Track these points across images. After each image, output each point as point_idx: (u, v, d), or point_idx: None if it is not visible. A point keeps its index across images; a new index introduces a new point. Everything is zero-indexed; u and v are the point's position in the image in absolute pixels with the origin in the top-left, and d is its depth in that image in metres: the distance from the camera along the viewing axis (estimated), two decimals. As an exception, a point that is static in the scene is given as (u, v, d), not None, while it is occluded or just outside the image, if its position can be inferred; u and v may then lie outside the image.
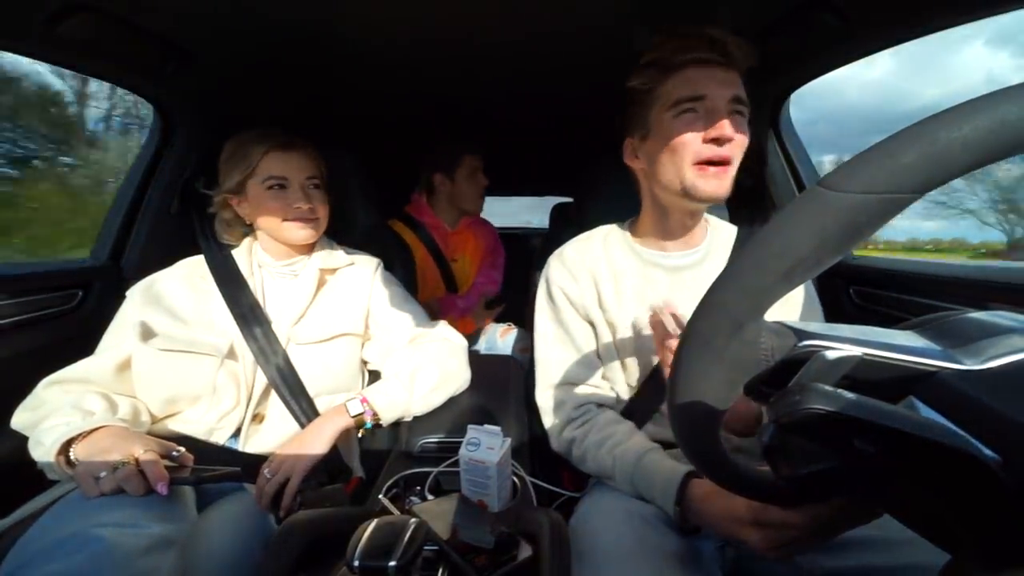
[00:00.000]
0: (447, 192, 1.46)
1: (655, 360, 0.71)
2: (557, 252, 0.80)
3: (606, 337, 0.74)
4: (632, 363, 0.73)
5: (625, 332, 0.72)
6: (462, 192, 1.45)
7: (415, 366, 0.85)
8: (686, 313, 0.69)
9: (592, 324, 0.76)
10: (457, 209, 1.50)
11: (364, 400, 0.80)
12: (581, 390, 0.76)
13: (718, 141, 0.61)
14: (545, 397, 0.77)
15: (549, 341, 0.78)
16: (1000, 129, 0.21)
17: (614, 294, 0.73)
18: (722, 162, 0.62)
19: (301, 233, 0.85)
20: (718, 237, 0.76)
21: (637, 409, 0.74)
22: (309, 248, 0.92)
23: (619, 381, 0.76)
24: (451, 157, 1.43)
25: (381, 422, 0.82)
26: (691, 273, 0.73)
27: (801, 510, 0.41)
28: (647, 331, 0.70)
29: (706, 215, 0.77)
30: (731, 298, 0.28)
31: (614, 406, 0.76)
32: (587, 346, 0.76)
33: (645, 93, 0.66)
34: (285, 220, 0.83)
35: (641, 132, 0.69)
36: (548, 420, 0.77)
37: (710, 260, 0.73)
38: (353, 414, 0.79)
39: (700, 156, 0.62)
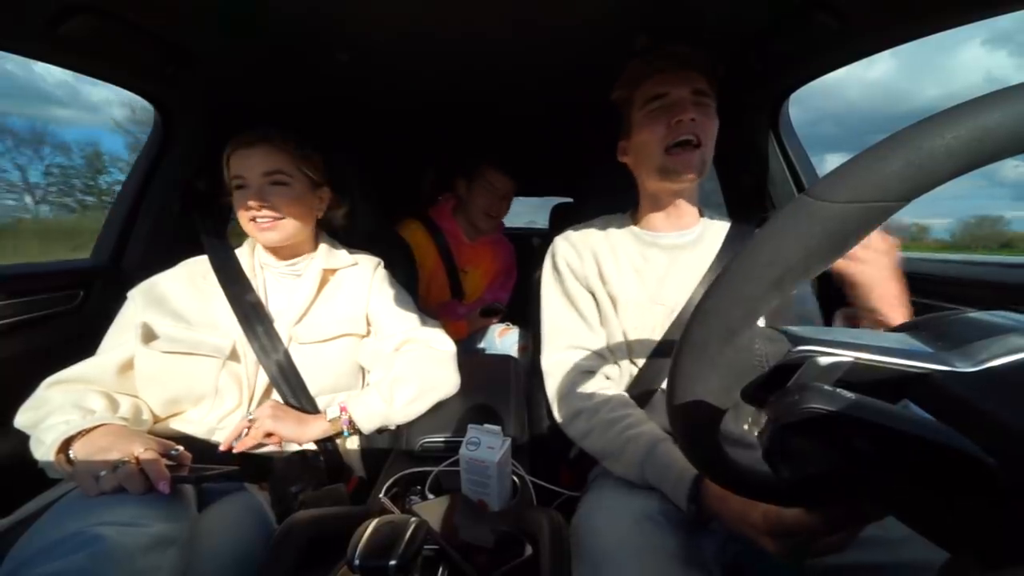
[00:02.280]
0: (463, 199, 1.45)
1: (656, 338, 0.75)
2: (562, 234, 0.88)
3: (608, 310, 0.78)
4: (634, 338, 0.77)
5: (625, 306, 0.77)
6: (473, 203, 1.42)
7: (395, 377, 0.85)
8: (684, 289, 0.75)
9: (594, 295, 0.80)
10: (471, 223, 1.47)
11: (343, 409, 0.81)
12: (587, 356, 0.78)
13: (681, 124, 0.70)
14: (552, 362, 0.80)
15: (554, 308, 0.83)
16: (983, 136, 0.21)
17: (615, 268, 0.79)
18: (688, 143, 0.71)
19: (261, 236, 0.82)
20: (711, 225, 0.83)
21: (638, 391, 0.76)
22: (311, 248, 0.92)
23: (623, 358, 0.78)
24: (473, 163, 1.41)
25: (361, 431, 0.82)
26: (687, 253, 0.79)
27: (813, 514, 0.41)
28: (647, 305, 0.76)
29: (706, 211, 0.85)
30: (724, 306, 0.28)
31: (618, 379, 0.78)
32: (590, 314, 0.80)
33: (625, 101, 0.79)
34: (248, 221, 0.81)
35: (627, 133, 0.80)
36: (553, 384, 0.79)
37: (704, 243, 0.80)
38: (329, 418, 0.80)
39: (668, 139, 0.71)
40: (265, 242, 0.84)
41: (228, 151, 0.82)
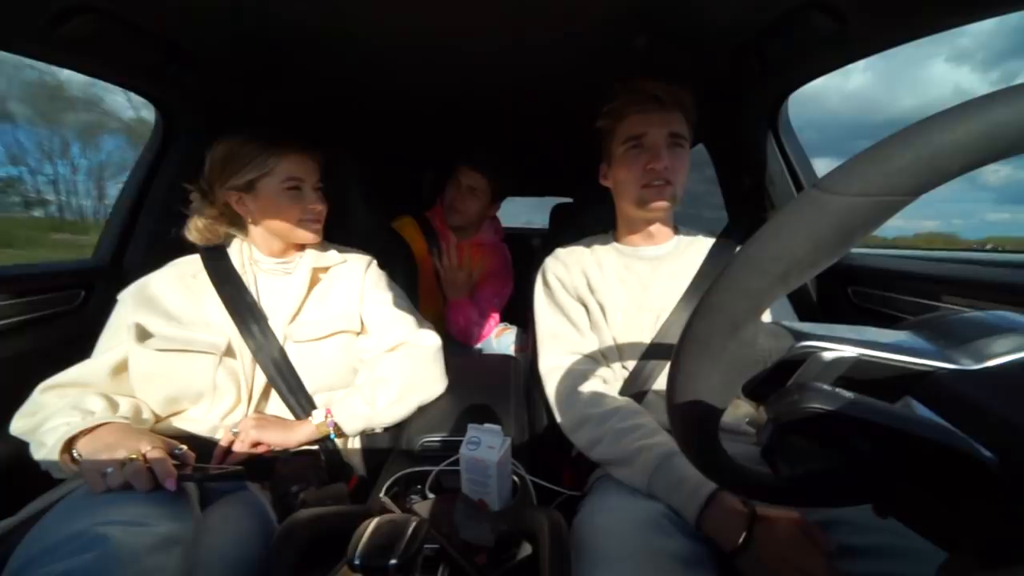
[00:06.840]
0: (443, 200, 1.46)
1: (645, 342, 0.79)
2: (551, 255, 0.94)
3: (598, 317, 0.83)
4: (624, 343, 0.81)
5: (614, 312, 0.82)
6: (445, 198, 1.44)
7: (376, 378, 0.85)
8: (667, 295, 0.79)
9: (584, 305, 0.86)
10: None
11: (328, 412, 0.81)
12: (582, 360, 0.81)
13: (654, 171, 0.78)
14: (549, 366, 0.83)
15: (548, 318, 0.88)
16: (993, 132, 0.21)
17: (601, 278, 0.85)
18: (662, 183, 0.79)
19: (312, 232, 0.88)
20: (686, 240, 0.91)
21: (630, 392, 0.77)
22: (302, 246, 0.92)
23: (615, 361, 0.81)
24: (452, 166, 1.43)
25: (346, 433, 0.83)
26: (665, 264, 0.86)
27: None
28: (634, 311, 0.82)
29: (681, 229, 0.94)
30: (728, 300, 0.28)
31: (612, 382, 0.80)
32: (582, 322, 0.85)
33: (607, 132, 0.86)
34: (300, 220, 0.86)
35: (608, 160, 0.88)
36: (552, 389, 0.80)
37: (680, 255, 0.87)
38: (315, 423, 0.80)
39: (643, 180, 0.79)
40: (310, 239, 0.90)
41: (279, 151, 0.83)
